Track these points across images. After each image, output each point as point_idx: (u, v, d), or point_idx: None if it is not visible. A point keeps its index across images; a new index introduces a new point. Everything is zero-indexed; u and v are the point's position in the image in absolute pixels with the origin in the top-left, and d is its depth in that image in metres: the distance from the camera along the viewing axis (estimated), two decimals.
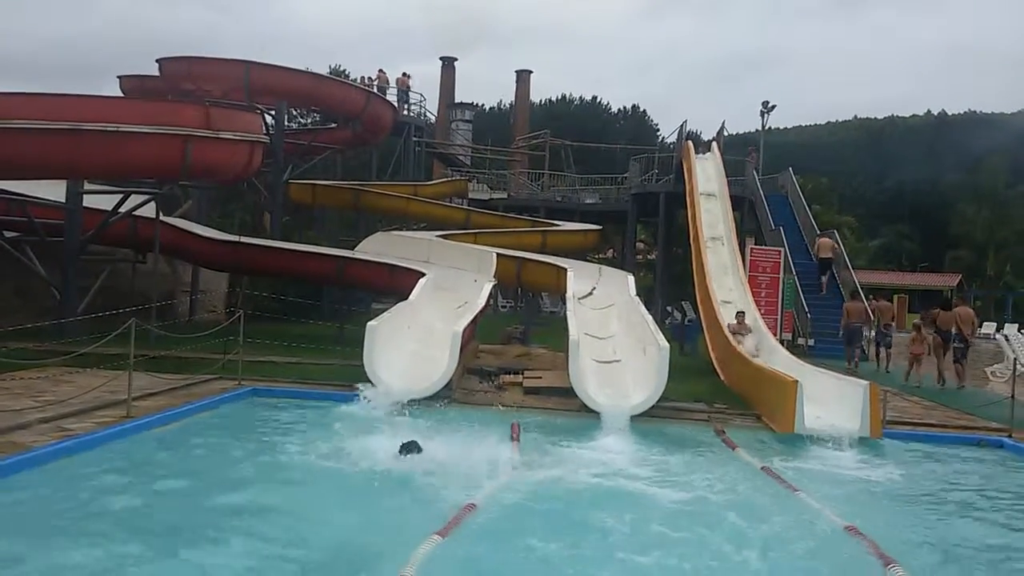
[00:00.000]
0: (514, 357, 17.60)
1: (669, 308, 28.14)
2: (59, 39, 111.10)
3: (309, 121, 41.57)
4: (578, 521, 7.26)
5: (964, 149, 64.79)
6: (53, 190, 18.19)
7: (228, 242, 20.74)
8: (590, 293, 19.47)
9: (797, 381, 11.70)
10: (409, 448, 8.80)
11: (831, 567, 6.47)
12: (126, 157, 15.48)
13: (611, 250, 43.84)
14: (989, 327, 39.71)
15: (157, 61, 25.71)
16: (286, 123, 29.17)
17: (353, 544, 6.49)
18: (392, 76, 37.92)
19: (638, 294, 18.47)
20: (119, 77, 28.17)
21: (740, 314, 17.20)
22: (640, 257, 41.84)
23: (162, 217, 18.69)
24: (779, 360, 14.95)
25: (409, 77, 38.48)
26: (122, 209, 18.17)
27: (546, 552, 6.40)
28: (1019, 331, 25.63)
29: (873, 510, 8.13)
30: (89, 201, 18.33)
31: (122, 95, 26.16)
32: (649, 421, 11.96)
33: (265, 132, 21.86)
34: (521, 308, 32.49)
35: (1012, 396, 12.61)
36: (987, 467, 10.32)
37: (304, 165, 29.74)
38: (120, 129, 15.15)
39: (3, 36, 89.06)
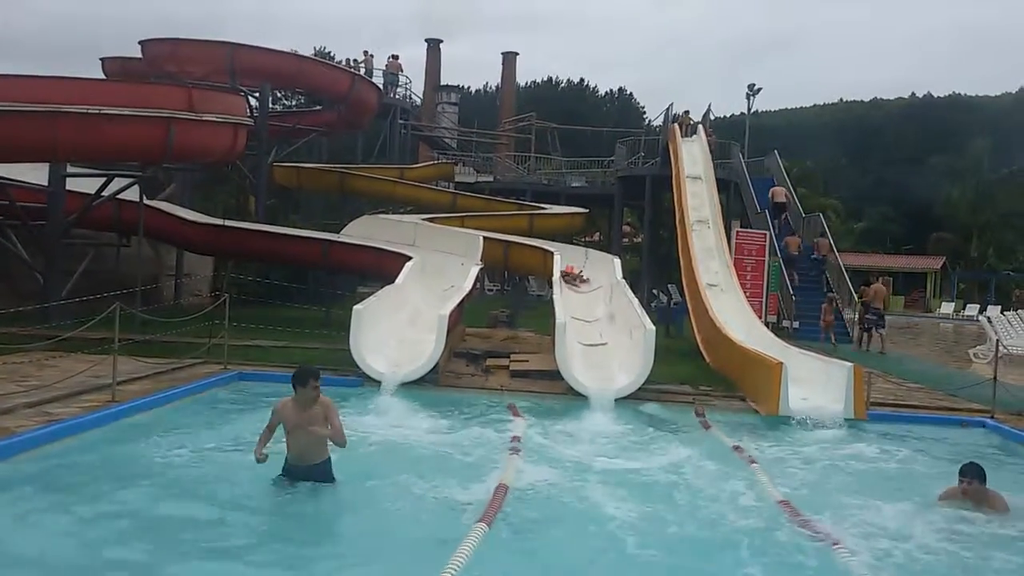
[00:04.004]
0: (501, 340, 17.64)
1: (655, 291, 28.22)
2: (65, 16, 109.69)
3: (294, 103, 41.33)
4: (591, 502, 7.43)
5: (949, 132, 65.12)
6: (35, 173, 18.03)
7: (212, 225, 20.62)
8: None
9: (782, 363, 11.77)
10: (303, 376, 6.89)
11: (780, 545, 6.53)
12: (108, 140, 15.39)
13: (597, 233, 43.85)
14: (972, 309, 40.07)
15: (140, 43, 25.48)
16: (270, 105, 28.96)
17: (375, 531, 6.47)
18: (380, 59, 37.71)
19: (624, 277, 18.53)
20: (101, 59, 27.91)
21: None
22: (626, 240, 41.86)
23: (146, 200, 18.55)
24: (764, 342, 15.03)
25: (398, 59, 38.26)
26: (105, 192, 18.03)
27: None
28: (1002, 313, 25.86)
29: (847, 489, 8.22)
30: (72, 184, 18.19)
31: (105, 77, 25.90)
32: (636, 403, 12.03)
33: (249, 114, 21.76)
34: (508, 291, 32.49)
35: (994, 378, 12.72)
36: (967, 448, 10.37)
37: (289, 148, 29.60)
38: (102, 111, 15.05)
39: (10, 14, 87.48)
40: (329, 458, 7.01)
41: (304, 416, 6.81)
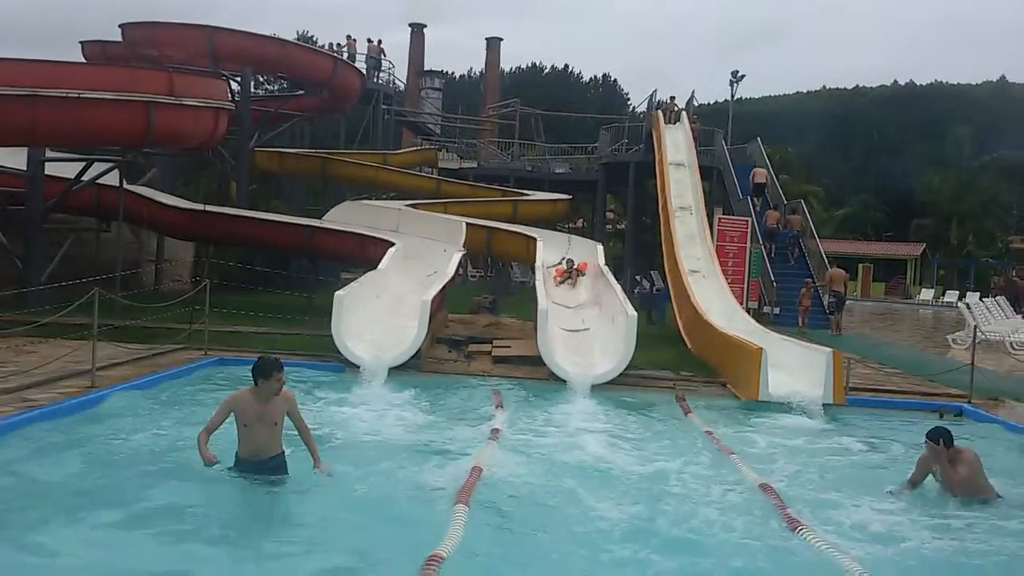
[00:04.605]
0: (483, 326, 17.65)
1: (638, 277, 28.30)
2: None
3: (276, 88, 41.06)
4: (560, 480, 7.59)
5: (931, 120, 65.49)
6: (14, 158, 17.85)
7: (192, 211, 20.51)
8: (560, 263, 19.53)
9: (762, 348, 11.84)
10: (266, 368, 6.47)
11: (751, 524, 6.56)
12: (88, 124, 15.26)
13: (581, 220, 43.88)
14: (951, 295, 40.40)
15: (120, 26, 25.21)
16: (252, 90, 28.76)
17: (352, 518, 6.43)
18: (361, 43, 37.50)
19: (607, 263, 18.58)
20: (81, 43, 27.59)
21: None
22: (610, 227, 41.93)
23: (126, 185, 18.41)
24: (744, 328, 15.12)
25: (380, 43, 38.08)
26: (85, 177, 17.88)
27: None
28: (980, 300, 26.08)
29: (822, 473, 8.30)
30: (51, 169, 18.03)
31: (84, 61, 25.64)
32: (616, 388, 12.09)
33: (230, 99, 21.58)
34: (491, 278, 32.49)
35: (972, 363, 12.85)
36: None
37: (271, 133, 29.39)
38: (82, 95, 14.91)
39: None
40: (283, 452, 6.67)
41: (264, 409, 6.44)
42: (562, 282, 18.34)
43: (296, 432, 6.82)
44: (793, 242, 25.43)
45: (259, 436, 6.47)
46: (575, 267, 18.79)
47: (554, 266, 18.90)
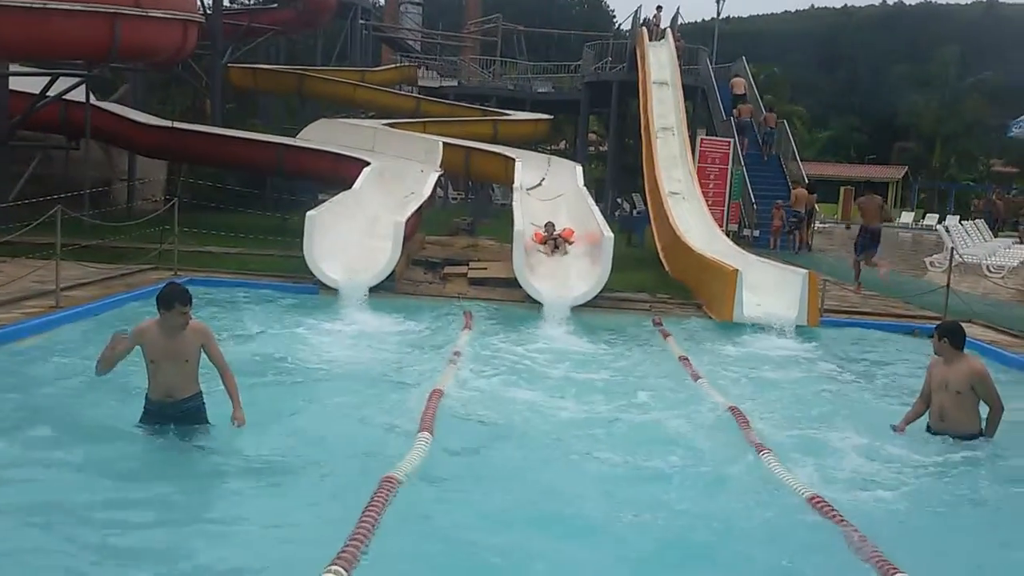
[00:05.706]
0: (461, 248, 17.49)
1: (619, 200, 28.15)
2: None
3: (250, 1, 39.85)
4: (525, 400, 7.56)
5: (918, 40, 64.68)
6: None
7: (160, 127, 20.01)
8: (539, 184, 19.28)
9: (737, 270, 11.79)
10: (168, 298, 5.63)
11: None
12: (49, 36, 14.74)
13: (563, 141, 43.38)
14: (931, 219, 40.53)
15: None
16: (224, 2, 27.86)
17: (322, 440, 6.33)
18: None
19: (587, 185, 18.35)
20: None
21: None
22: (592, 149, 41.49)
23: (95, 102, 17.91)
24: (722, 250, 15.05)
25: None
26: (51, 92, 17.35)
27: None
28: (960, 223, 26.13)
29: (789, 395, 8.32)
30: (16, 84, 17.48)
31: None
32: (592, 311, 12.04)
33: (201, 11, 20.91)
34: (471, 200, 32.21)
35: (947, 285, 12.87)
36: (915, 352, 10.48)
37: (244, 48, 28.60)
38: (45, 6, 14.37)
39: None
40: (200, 393, 5.93)
41: (172, 344, 5.68)
42: (549, 251, 15.02)
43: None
44: (768, 139, 25.98)
45: (168, 374, 5.74)
46: (556, 233, 15.20)
47: (536, 196, 18.47)
